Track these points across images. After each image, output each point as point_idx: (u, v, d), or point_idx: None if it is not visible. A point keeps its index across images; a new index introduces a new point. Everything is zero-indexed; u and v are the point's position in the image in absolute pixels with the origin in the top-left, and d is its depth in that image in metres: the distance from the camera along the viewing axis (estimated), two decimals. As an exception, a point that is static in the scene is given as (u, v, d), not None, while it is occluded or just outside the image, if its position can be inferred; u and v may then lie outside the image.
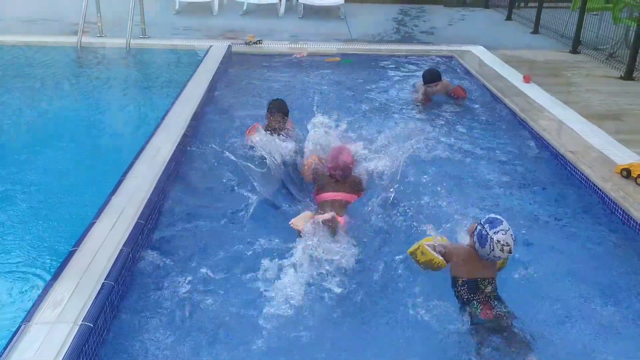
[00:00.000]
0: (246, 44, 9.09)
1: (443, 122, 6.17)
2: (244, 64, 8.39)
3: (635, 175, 4.48)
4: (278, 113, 4.99)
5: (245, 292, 3.33)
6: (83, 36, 8.77)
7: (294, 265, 3.43)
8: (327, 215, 3.61)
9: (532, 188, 4.77)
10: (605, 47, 8.94)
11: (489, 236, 2.99)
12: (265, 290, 3.31)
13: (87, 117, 6.19)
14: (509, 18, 12.32)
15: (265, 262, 3.49)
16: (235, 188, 4.49)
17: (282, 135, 4.87)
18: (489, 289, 3.06)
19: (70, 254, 3.28)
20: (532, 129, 5.76)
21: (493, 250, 2.99)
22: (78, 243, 3.38)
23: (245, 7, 12.15)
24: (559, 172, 5.03)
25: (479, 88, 7.41)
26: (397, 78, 7.95)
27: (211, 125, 5.89)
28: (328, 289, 3.33)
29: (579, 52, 9.06)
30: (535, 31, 10.89)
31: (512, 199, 4.58)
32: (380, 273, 3.50)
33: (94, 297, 2.91)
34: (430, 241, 3.14)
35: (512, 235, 3.00)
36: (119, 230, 3.51)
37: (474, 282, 3.06)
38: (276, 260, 3.51)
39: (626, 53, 8.49)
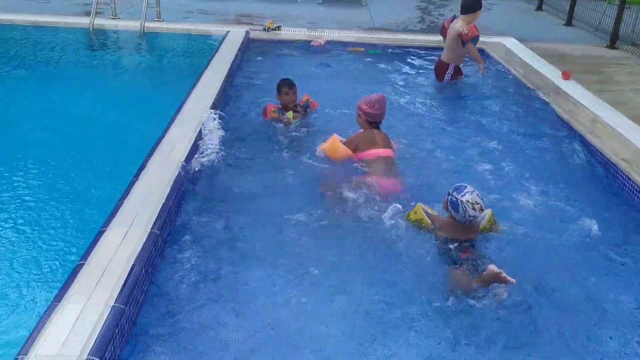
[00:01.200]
0: (264, 30, 8.65)
1: (477, 123, 5.73)
2: (263, 52, 7.96)
3: (699, 190, 4.05)
4: (285, 88, 5.23)
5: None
6: (95, 18, 8.37)
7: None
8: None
9: (579, 200, 4.32)
10: (645, 42, 8.45)
11: (459, 200, 3.35)
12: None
13: (97, 107, 5.79)
14: (539, 8, 11.78)
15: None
16: (263, 188, 4.12)
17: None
18: (467, 244, 3.42)
19: (76, 268, 2.91)
20: (578, 132, 5.31)
21: (466, 210, 3.35)
22: (85, 256, 3.00)
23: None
24: (610, 183, 4.58)
25: (514, 83, 6.94)
26: (424, 72, 7.50)
27: (231, 118, 5.49)
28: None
29: (617, 48, 8.55)
30: (569, 23, 10.36)
31: (556, 212, 4.15)
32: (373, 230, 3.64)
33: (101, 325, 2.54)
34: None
35: (478, 194, 3.37)
36: (131, 241, 3.13)
37: (455, 240, 3.42)
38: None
39: (668, 50, 8.03)
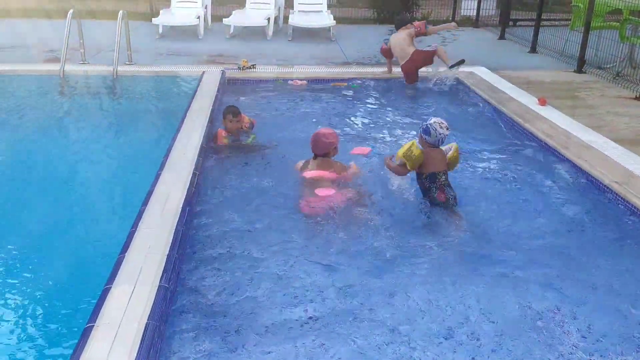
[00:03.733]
0: (239, 68, 8.60)
1: (462, 150, 5.77)
2: (241, 91, 7.90)
3: (695, 208, 4.13)
4: (230, 115, 5.65)
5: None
6: (65, 64, 8.18)
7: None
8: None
9: (579, 226, 4.36)
10: (610, 65, 8.74)
11: (428, 124, 4.28)
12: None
13: (78, 157, 5.55)
14: (502, 37, 12.13)
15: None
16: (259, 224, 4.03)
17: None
18: (443, 178, 4.26)
19: (86, 331, 2.71)
20: (565, 157, 5.38)
21: (436, 130, 4.25)
22: (93, 317, 2.81)
23: (232, 30, 11.69)
24: (606, 206, 4.63)
25: (493, 113, 7.05)
26: (404, 102, 7.58)
27: (221, 159, 5.38)
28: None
29: (584, 72, 8.83)
30: (533, 50, 10.67)
31: (558, 239, 4.16)
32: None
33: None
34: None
35: (440, 118, 4.34)
36: (136, 301, 2.95)
37: (433, 174, 4.24)
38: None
39: (633, 72, 8.31)
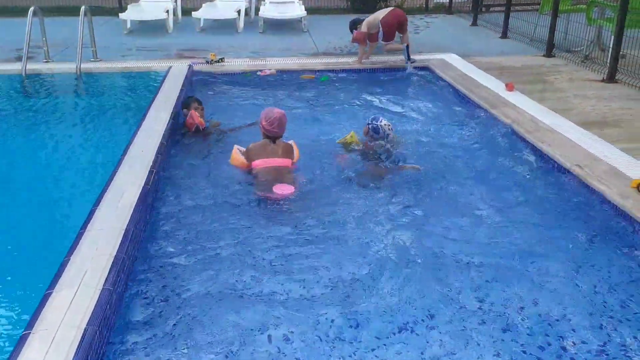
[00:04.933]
0: (207, 62, 8.47)
1: (428, 136, 5.78)
2: (209, 85, 7.78)
3: (654, 190, 4.11)
4: (194, 103, 5.88)
5: None
6: (28, 62, 8.00)
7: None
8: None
9: (539, 208, 4.33)
10: (578, 49, 8.73)
11: (379, 125, 5.06)
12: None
13: (36, 156, 5.45)
14: (474, 24, 12.09)
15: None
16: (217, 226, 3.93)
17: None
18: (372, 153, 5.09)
19: (21, 339, 2.63)
20: (530, 142, 5.35)
21: (385, 131, 5.08)
22: (31, 324, 2.72)
23: (201, 24, 11.52)
24: (568, 189, 4.60)
25: (462, 99, 7.00)
26: (376, 92, 7.50)
27: (181, 159, 5.28)
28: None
29: (554, 55, 8.81)
30: (504, 36, 10.64)
31: (520, 222, 4.13)
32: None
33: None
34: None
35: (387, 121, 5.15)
36: (77, 306, 2.86)
37: (374, 152, 5.05)
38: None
39: (601, 55, 8.30)
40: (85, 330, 2.66)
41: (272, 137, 4.74)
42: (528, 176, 4.86)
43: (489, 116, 6.24)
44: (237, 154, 4.79)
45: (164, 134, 5.33)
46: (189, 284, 3.38)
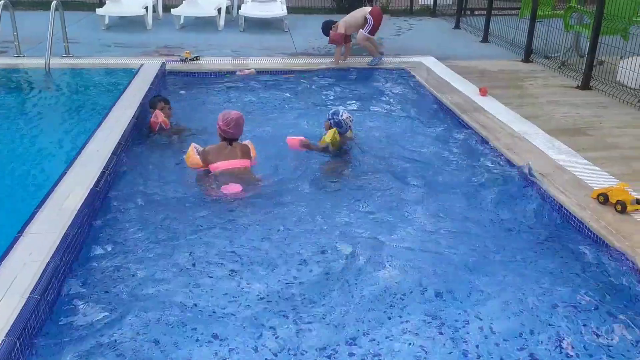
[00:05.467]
0: (182, 60, 8.35)
1: (390, 137, 5.76)
2: (182, 84, 7.66)
3: (613, 202, 4.03)
4: (161, 102, 5.83)
5: None
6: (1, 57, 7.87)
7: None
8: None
9: (497, 214, 4.25)
10: (556, 54, 8.68)
11: (341, 119, 5.02)
12: None
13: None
14: (457, 27, 12.03)
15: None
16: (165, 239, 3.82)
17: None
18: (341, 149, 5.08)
19: None
20: (495, 149, 5.28)
21: (347, 124, 5.08)
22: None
23: (181, 21, 11.39)
24: (528, 197, 4.52)
25: (434, 103, 6.93)
26: (349, 92, 7.42)
27: (140, 159, 5.15)
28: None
29: (532, 61, 8.76)
30: (485, 40, 10.59)
31: (475, 227, 4.06)
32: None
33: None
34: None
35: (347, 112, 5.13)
36: (2, 312, 2.75)
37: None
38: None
39: (578, 61, 8.25)
40: (4, 342, 2.55)
41: (229, 138, 4.65)
42: (488, 184, 4.76)
43: (458, 121, 6.17)
44: (193, 153, 4.67)
45: (123, 134, 5.20)
46: (133, 290, 3.27)
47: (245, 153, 4.72)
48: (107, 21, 10.97)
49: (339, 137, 4.98)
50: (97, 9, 10.88)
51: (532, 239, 3.93)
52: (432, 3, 14.04)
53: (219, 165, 4.62)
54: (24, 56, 8.37)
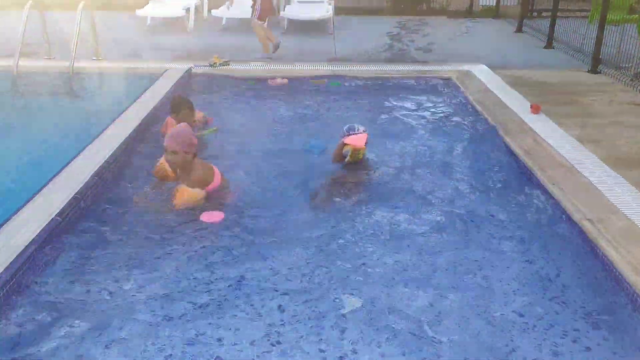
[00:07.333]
0: (210, 66, 7.89)
1: (423, 155, 5.08)
2: (208, 90, 7.18)
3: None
4: (182, 110, 5.12)
5: None
6: (29, 59, 7.68)
7: None
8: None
9: (540, 274, 3.42)
10: (628, 65, 7.57)
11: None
12: None
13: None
14: (519, 30, 10.98)
15: None
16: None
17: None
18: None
19: None
20: (539, 181, 4.42)
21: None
22: None
23: (224, 22, 10.98)
24: (574, 251, 3.65)
25: (476, 120, 6.08)
26: (385, 101, 6.71)
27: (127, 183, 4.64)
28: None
29: (599, 72, 7.68)
30: (549, 46, 9.52)
31: (509, 295, 3.26)
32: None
33: None
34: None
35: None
36: None
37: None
38: None
39: (656, 74, 7.15)
40: None
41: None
42: (526, 225, 3.94)
43: (500, 143, 5.33)
44: (189, 191, 4.05)
45: (112, 154, 4.69)
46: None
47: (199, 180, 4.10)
48: (148, 22, 10.72)
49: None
50: (136, 10, 10.64)
51: (574, 312, 3.08)
52: (494, 3, 12.98)
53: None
54: (54, 58, 8.17)
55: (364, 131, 4.55)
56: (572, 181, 4.34)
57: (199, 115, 5.53)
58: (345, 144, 4.53)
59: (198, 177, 4.06)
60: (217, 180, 4.17)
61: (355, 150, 4.52)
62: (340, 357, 2.72)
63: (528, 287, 3.28)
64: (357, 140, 4.52)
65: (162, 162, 4.18)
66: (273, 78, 7.55)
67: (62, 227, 3.62)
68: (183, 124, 4.20)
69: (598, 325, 2.96)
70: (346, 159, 4.57)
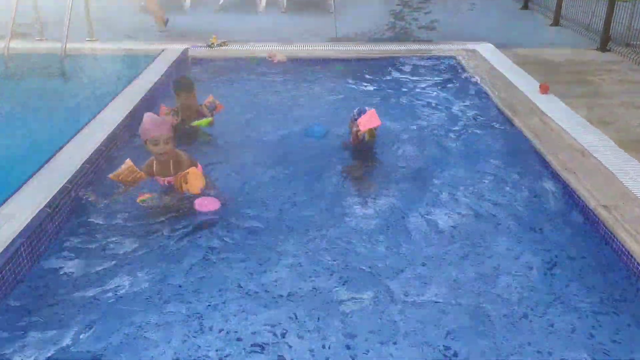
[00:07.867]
0: (208, 46, 7.66)
1: (426, 138, 4.89)
2: (206, 71, 6.96)
3: None
4: (184, 92, 4.82)
5: None
6: (21, 40, 7.45)
7: None
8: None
9: (550, 263, 3.26)
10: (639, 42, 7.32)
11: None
12: None
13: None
14: (525, 7, 10.69)
15: None
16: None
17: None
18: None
19: None
20: (550, 166, 4.24)
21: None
22: None
23: (221, 2, 10.69)
24: (588, 238, 3.49)
25: (482, 101, 5.87)
26: (390, 82, 6.50)
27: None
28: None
29: (609, 50, 7.44)
30: (556, 23, 9.25)
31: (521, 279, 3.11)
32: None
33: None
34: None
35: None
36: None
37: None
38: None
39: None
40: None
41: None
42: (535, 211, 3.77)
43: (508, 125, 5.13)
44: (198, 172, 3.75)
45: (104, 141, 4.47)
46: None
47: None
48: (143, 2, 10.42)
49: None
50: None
51: (591, 305, 2.92)
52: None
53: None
54: (45, 39, 7.93)
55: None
56: (585, 165, 4.15)
57: (209, 99, 5.00)
58: (359, 130, 4.40)
59: (191, 159, 3.87)
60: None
61: (371, 129, 4.46)
62: (349, 353, 2.58)
63: (540, 278, 3.12)
64: (369, 120, 4.40)
65: (129, 163, 3.69)
66: (272, 55, 7.31)
67: (52, 218, 3.45)
68: (149, 113, 3.84)
69: (617, 315, 2.81)
70: (365, 140, 4.49)
